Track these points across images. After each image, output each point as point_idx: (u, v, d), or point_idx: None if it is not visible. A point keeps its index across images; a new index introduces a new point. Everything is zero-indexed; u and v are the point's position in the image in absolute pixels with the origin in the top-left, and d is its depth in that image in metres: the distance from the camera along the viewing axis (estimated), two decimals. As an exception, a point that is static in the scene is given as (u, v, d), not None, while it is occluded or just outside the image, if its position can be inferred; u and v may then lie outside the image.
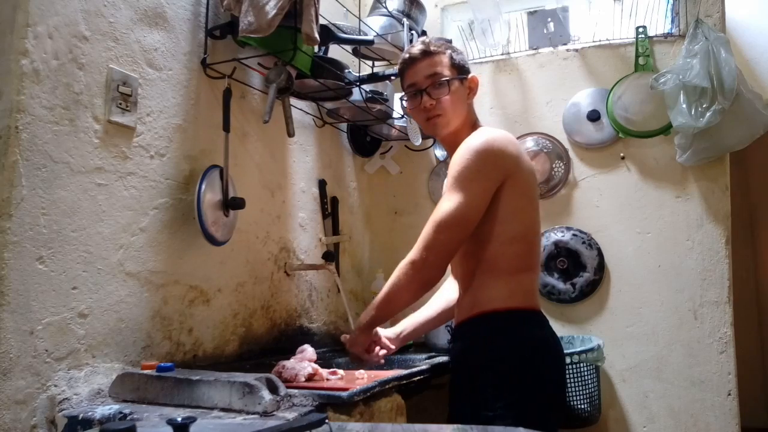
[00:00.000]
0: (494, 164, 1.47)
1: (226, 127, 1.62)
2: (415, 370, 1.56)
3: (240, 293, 1.79)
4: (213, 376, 1.18)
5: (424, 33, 2.39)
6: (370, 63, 2.34)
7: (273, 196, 1.99)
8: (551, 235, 2.33)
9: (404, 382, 1.46)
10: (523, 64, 2.50)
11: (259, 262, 1.88)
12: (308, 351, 1.49)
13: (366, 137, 2.56)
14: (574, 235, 2.31)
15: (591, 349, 2.01)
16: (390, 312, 1.54)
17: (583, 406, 1.99)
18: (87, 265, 1.30)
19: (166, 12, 1.55)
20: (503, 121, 2.47)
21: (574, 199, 2.37)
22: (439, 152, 2.56)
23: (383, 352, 1.66)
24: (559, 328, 2.21)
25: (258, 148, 1.91)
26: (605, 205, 2.32)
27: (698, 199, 2.21)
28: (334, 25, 1.91)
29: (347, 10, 2.19)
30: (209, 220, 1.55)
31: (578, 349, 2.00)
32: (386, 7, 2.24)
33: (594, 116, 2.33)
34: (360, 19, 2.07)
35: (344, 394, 1.19)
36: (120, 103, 1.38)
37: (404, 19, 2.21)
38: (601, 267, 2.28)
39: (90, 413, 1.15)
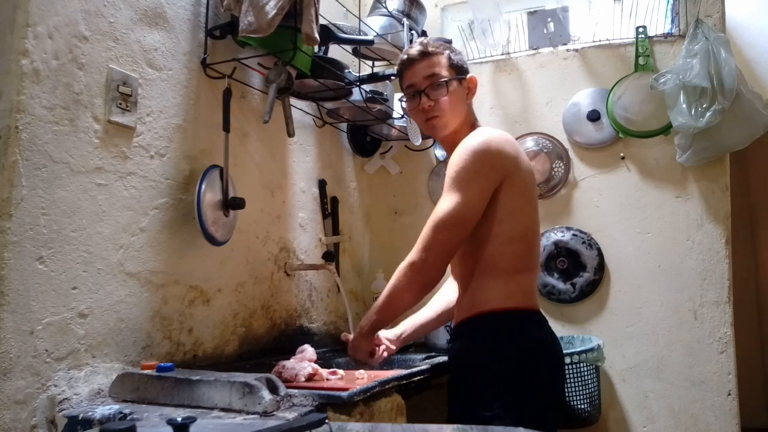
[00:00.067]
0: (492, 164, 1.47)
1: (226, 127, 1.62)
2: (415, 370, 1.56)
3: (240, 293, 1.79)
4: (213, 376, 1.18)
5: (424, 33, 2.39)
6: (370, 63, 2.34)
7: (273, 196, 1.99)
8: (551, 235, 2.33)
9: (404, 382, 1.46)
10: (523, 64, 2.50)
11: (259, 262, 1.88)
12: (308, 351, 1.49)
13: (366, 137, 2.56)
14: (574, 235, 2.31)
15: (591, 349, 2.01)
16: (391, 315, 1.54)
17: (583, 406, 1.99)
18: (87, 265, 1.30)
19: (166, 12, 1.55)
20: (503, 121, 2.47)
21: (574, 199, 2.37)
22: (439, 152, 2.56)
23: (385, 354, 1.66)
24: (559, 328, 2.21)
25: (258, 148, 1.91)
26: (605, 205, 2.32)
27: (698, 199, 2.21)
28: (334, 25, 1.91)
29: (347, 10, 2.19)
30: (209, 220, 1.55)
31: (578, 349, 2.00)
32: (386, 7, 2.24)
33: (594, 116, 2.33)
34: (360, 19, 2.07)
35: (344, 394, 1.19)
36: (120, 103, 1.39)
37: (404, 19, 2.21)
38: (601, 267, 2.28)
39: (90, 413, 1.15)
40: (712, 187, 2.20)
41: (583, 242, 2.29)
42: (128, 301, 1.39)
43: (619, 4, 2.38)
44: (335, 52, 2.16)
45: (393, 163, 2.64)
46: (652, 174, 2.28)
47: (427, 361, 1.79)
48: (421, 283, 1.47)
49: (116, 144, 1.39)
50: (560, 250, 2.31)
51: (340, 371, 1.46)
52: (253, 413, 1.09)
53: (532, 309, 1.54)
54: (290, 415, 1.09)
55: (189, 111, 1.61)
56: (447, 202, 1.46)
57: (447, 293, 1.77)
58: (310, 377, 1.37)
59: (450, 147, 1.59)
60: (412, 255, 1.46)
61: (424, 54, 1.59)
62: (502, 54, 2.53)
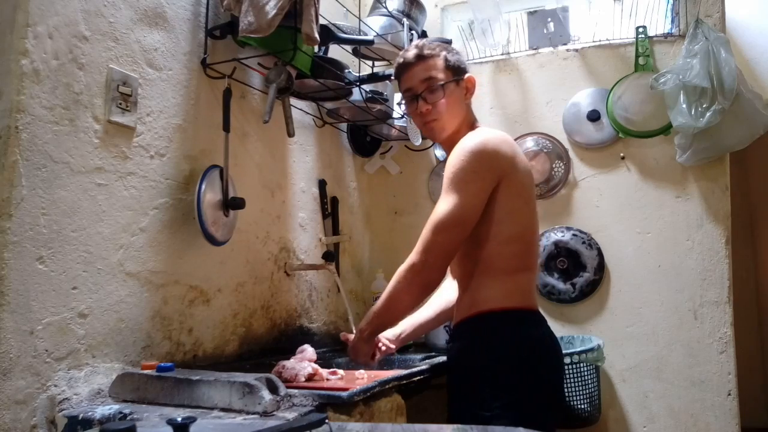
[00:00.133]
0: (489, 165, 1.47)
1: (226, 127, 1.62)
2: (415, 370, 1.56)
3: (240, 293, 1.79)
4: (213, 376, 1.18)
5: (424, 33, 2.39)
6: (370, 63, 2.34)
7: (273, 196, 1.99)
8: (551, 235, 2.33)
9: (404, 382, 1.46)
10: (523, 64, 2.50)
11: (259, 262, 1.88)
12: (308, 351, 1.49)
13: (366, 137, 2.56)
14: (574, 235, 2.31)
15: (591, 349, 2.01)
16: (392, 318, 1.54)
17: (583, 406, 1.99)
18: (87, 265, 1.30)
19: (166, 12, 1.55)
20: (503, 121, 2.47)
21: (574, 199, 2.37)
22: (439, 152, 2.56)
23: (384, 349, 1.66)
24: (559, 328, 2.22)
25: (258, 148, 1.91)
26: (605, 205, 2.32)
27: (698, 199, 2.21)
28: (334, 25, 1.91)
29: (347, 10, 2.19)
30: (209, 220, 1.55)
31: (578, 349, 2.00)
32: (386, 7, 2.24)
33: (594, 116, 2.33)
34: (360, 19, 2.07)
35: (344, 394, 1.19)
36: (120, 103, 1.39)
37: (404, 19, 2.21)
38: (601, 267, 2.28)
39: (90, 413, 1.15)
40: (712, 187, 2.20)
41: (583, 242, 2.29)
42: (128, 301, 1.39)
43: (619, 4, 2.39)
44: (335, 52, 2.16)
45: (393, 163, 2.65)
46: (652, 174, 2.28)
47: (426, 361, 1.79)
48: (421, 284, 1.47)
49: (116, 144, 1.39)
50: (560, 250, 2.31)
51: (340, 371, 1.46)
52: (253, 413, 1.09)
53: (531, 309, 1.53)
54: (290, 415, 1.09)
55: (189, 111, 1.61)
56: (445, 203, 1.46)
57: (446, 293, 1.77)
58: (310, 377, 1.37)
59: (449, 147, 1.59)
60: (412, 257, 1.46)
61: (420, 57, 1.58)
62: (502, 54, 2.53)
